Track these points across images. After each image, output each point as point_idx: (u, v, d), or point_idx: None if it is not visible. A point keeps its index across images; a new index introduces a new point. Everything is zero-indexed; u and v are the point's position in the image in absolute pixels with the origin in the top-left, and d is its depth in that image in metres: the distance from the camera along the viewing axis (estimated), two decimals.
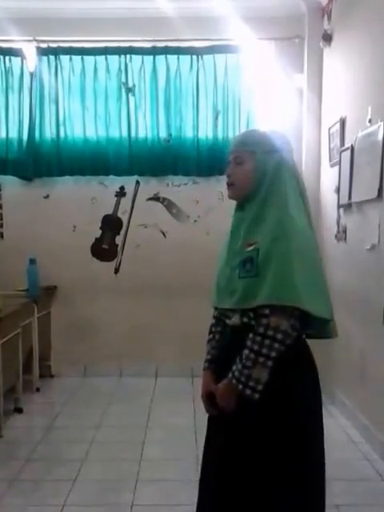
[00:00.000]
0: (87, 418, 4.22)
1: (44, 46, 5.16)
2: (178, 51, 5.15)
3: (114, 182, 5.34)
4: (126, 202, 5.37)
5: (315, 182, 5.05)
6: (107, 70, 5.19)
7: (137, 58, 5.18)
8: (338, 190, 4.38)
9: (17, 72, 5.19)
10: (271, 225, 1.79)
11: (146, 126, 5.22)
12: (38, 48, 5.16)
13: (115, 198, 5.37)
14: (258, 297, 1.74)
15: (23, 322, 4.42)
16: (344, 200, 4.20)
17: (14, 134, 5.21)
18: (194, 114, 5.19)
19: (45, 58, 5.17)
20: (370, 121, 3.70)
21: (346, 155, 4.12)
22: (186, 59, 5.17)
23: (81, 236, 5.32)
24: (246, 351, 1.74)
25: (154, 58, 5.16)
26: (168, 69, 5.17)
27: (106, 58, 5.17)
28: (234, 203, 1.98)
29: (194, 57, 5.15)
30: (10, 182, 5.29)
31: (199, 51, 5.15)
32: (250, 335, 1.75)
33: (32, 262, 4.94)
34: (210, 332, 2.03)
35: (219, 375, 1.86)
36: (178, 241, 5.29)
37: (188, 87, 5.20)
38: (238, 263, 1.83)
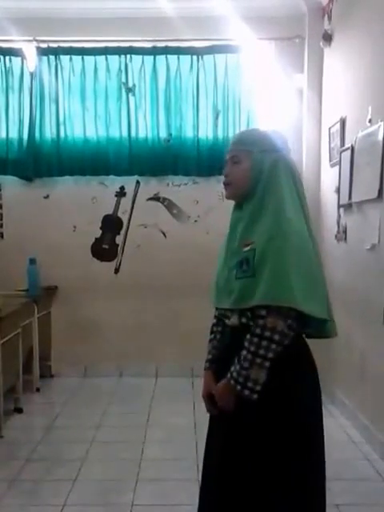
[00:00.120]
0: (87, 418, 4.22)
1: (44, 45, 5.16)
2: (178, 51, 5.15)
3: (114, 182, 5.34)
4: (126, 202, 5.37)
5: (315, 181, 5.05)
6: (107, 70, 5.19)
7: (137, 58, 5.18)
8: (338, 190, 4.38)
9: (17, 72, 5.19)
10: (267, 225, 1.79)
11: (146, 126, 5.22)
12: (38, 48, 5.16)
13: (115, 198, 5.37)
14: (255, 297, 1.74)
15: (23, 322, 4.42)
16: (344, 200, 4.20)
17: (14, 134, 5.21)
18: (194, 113, 5.19)
19: (45, 58, 5.17)
20: (370, 121, 3.70)
21: (346, 155, 4.12)
22: (186, 59, 5.17)
23: (81, 236, 5.32)
24: (244, 352, 1.75)
25: (155, 58, 5.16)
26: (168, 69, 5.17)
27: (106, 58, 5.17)
28: (233, 203, 1.98)
29: (195, 57, 5.15)
30: (11, 182, 5.29)
31: (199, 51, 5.15)
32: (247, 336, 1.75)
33: (32, 261, 4.94)
34: (212, 332, 2.04)
35: (220, 375, 1.87)
36: (178, 241, 5.29)
37: (188, 87, 5.20)
38: (235, 263, 1.83)
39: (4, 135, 5.22)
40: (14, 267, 5.00)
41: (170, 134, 5.22)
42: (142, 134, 5.22)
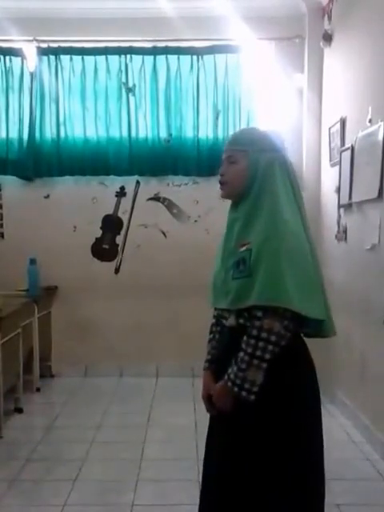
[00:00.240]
0: (88, 418, 4.21)
1: (44, 45, 5.16)
2: (178, 51, 5.15)
3: (114, 182, 5.34)
4: (126, 202, 5.37)
5: (315, 181, 5.06)
6: (107, 70, 5.19)
7: (137, 58, 5.18)
8: (338, 190, 4.38)
9: (17, 72, 5.19)
10: (263, 225, 1.79)
11: (147, 126, 5.22)
12: (39, 48, 5.15)
13: (115, 198, 5.37)
14: (251, 298, 1.74)
15: (24, 322, 4.42)
16: (344, 200, 4.20)
17: (14, 134, 5.21)
18: (195, 113, 5.19)
19: (45, 58, 5.17)
20: (370, 121, 3.70)
21: (347, 155, 4.12)
22: (186, 59, 5.17)
23: (81, 236, 5.32)
24: (241, 353, 1.75)
25: (155, 58, 5.16)
26: (168, 69, 5.17)
27: (107, 58, 5.17)
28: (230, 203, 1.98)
29: (195, 57, 5.15)
30: (11, 182, 5.29)
31: (199, 51, 5.15)
32: (244, 337, 1.75)
33: (32, 261, 4.94)
34: (211, 331, 2.04)
35: (219, 375, 1.87)
36: (178, 241, 5.29)
37: (188, 87, 5.20)
38: (232, 264, 1.83)
39: (4, 135, 5.21)
40: (14, 267, 5.00)
41: (170, 134, 5.22)
42: (142, 134, 5.22)
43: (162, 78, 5.19)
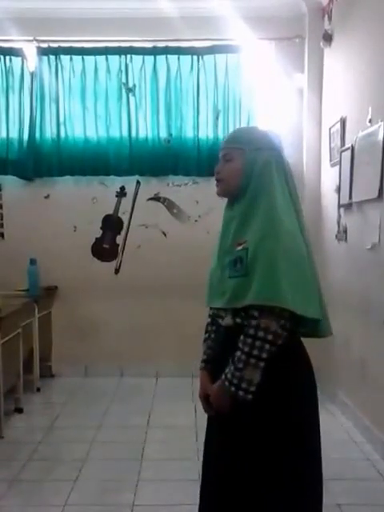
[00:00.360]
0: (88, 418, 4.22)
1: (44, 45, 5.16)
2: (178, 51, 5.15)
3: (114, 182, 5.34)
4: (126, 202, 5.37)
5: (316, 181, 5.06)
6: (108, 70, 5.19)
7: (137, 58, 5.18)
8: (338, 190, 4.38)
9: (17, 72, 5.19)
10: (259, 224, 1.79)
11: (147, 126, 5.22)
12: (39, 48, 5.15)
13: (116, 198, 5.37)
14: (247, 297, 1.74)
15: (24, 322, 4.41)
16: (344, 200, 4.20)
17: (14, 134, 5.21)
18: (195, 114, 5.19)
19: (45, 58, 5.17)
20: (370, 121, 3.70)
21: (347, 155, 4.12)
22: (186, 59, 5.16)
23: (81, 236, 5.32)
24: (238, 353, 1.74)
25: (155, 58, 5.16)
26: (168, 69, 5.17)
27: (107, 58, 5.17)
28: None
29: (195, 57, 5.15)
30: (11, 182, 5.29)
31: (200, 51, 5.14)
32: (241, 337, 1.75)
33: (32, 262, 4.94)
34: (206, 331, 2.04)
35: (215, 375, 1.86)
36: (178, 241, 5.29)
37: (188, 87, 5.20)
38: (228, 263, 1.83)
39: (4, 135, 5.22)
40: (14, 267, 5.00)
41: (171, 134, 5.22)
42: (142, 134, 5.22)
43: (162, 78, 5.19)
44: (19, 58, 5.17)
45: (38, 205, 5.31)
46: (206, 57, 5.15)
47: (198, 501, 1.97)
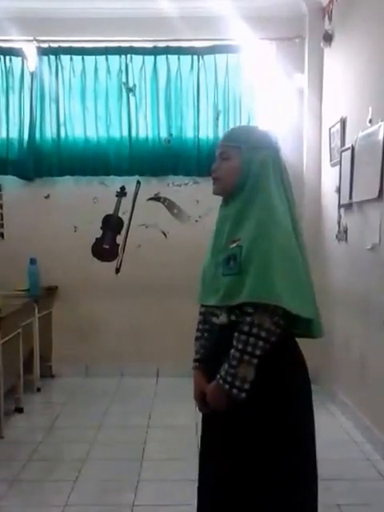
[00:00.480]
0: (88, 418, 4.22)
1: (44, 45, 5.15)
2: (178, 51, 5.15)
3: (114, 182, 5.34)
4: (126, 202, 5.37)
5: (316, 181, 5.06)
6: (108, 70, 5.19)
7: (137, 58, 5.18)
8: (338, 190, 4.38)
9: (17, 72, 5.19)
10: (254, 222, 1.79)
11: (147, 126, 5.22)
12: (39, 48, 5.15)
13: (116, 198, 5.37)
14: (242, 294, 1.74)
15: (24, 322, 4.41)
16: (345, 200, 4.20)
17: (14, 134, 5.21)
18: (195, 114, 5.19)
19: (45, 58, 5.17)
20: (370, 121, 3.70)
21: (347, 155, 4.12)
22: (186, 59, 5.16)
23: (81, 236, 5.32)
24: (232, 350, 1.75)
25: (155, 58, 5.16)
26: (169, 69, 5.17)
27: (107, 58, 5.17)
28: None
29: (195, 57, 5.15)
30: (11, 182, 5.29)
31: (200, 51, 5.14)
32: (235, 334, 1.75)
33: (33, 261, 4.94)
34: (198, 329, 2.04)
35: (210, 374, 1.86)
36: (178, 241, 5.29)
37: (189, 87, 5.19)
38: (221, 260, 1.83)
39: (4, 135, 5.21)
40: (14, 267, 5.00)
41: (171, 134, 5.22)
42: (142, 134, 5.22)
43: (162, 78, 5.18)
44: (19, 58, 5.17)
45: (38, 205, 5.31)
46: (206, 57, 5.15)
47: None
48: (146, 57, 5.17)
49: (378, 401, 3.56)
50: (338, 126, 4.41)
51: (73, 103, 5.22)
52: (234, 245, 1.80)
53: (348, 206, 4.16)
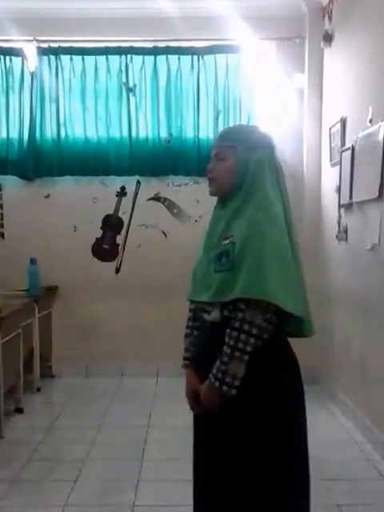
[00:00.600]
0: (88, 418, 4.22)
1: (45, 45, 5.15)
2: (178, 51, 5.14)
3: (114, 182, 5.34)
4: (126, 202, 5.37)
5: (316, 181, 5.06)
6: (108, 70, 5.19)
7: (137, 58, 5.18)
8: (338, 190, 4.38)
9: (17, 72, 5.18)
10: (249, 221, 1.79)
11: (147, 126, 5.22)
12: (39, 48, 5.15)
13: (116, 198, 5.37)
14: (234, 291, 1.74)
15: (24, 322, 4.41)
16: (345, 200, 4.20)
17: (14, 134, 5.20)
18: (195, 114, 5.19)
19: (45, 58, 5.17)
20: (370, 121, 3.70)
21: (347, 155, 4.12)
22: (186, 59, 5.16)
23: (82, 236, 5.32)
24: (224, 347, 1.74)
25: (155, 58, 5.16)
26: (169, 69, 5.17)
27: (107, 58, 5.17)
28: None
29: (195, 57, 5.15)
30: (11, 182, 5.29)
31: (200, 51, 5.14)
32: (227, 330, 1.75)
33: (33, 261, 4.94)
34: (187, 326, 2.03)
35: (202, 372, 1.86)
36: (178, 241, 5.29)
37: (189, 87, 5.19)
38: (214, 257, 1.84)
39: (4, 135, 5.21)
40: (14, 267, 5.00)
41: (171, 134, 5.22)
42: (142, 134, 5.22)
43: (162, 78, 5.18)
44: (19, 58, 5.17)
45: (38, 205, 5.31)
46: (206, 57, 5.15)
47: None
48: (146, 57, 5.17)
49: (378, 401, 3.56)
50: (338, 125, 4.41)
51: (73, 103, 5.22)
52: (227, 241, 1.81)
53: (348, 206, 4.16)
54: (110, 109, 5.22)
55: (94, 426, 4.04)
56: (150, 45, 5.14)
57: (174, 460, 3.46)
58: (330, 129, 4.66)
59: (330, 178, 4.74)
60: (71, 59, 5.17)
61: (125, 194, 5.35)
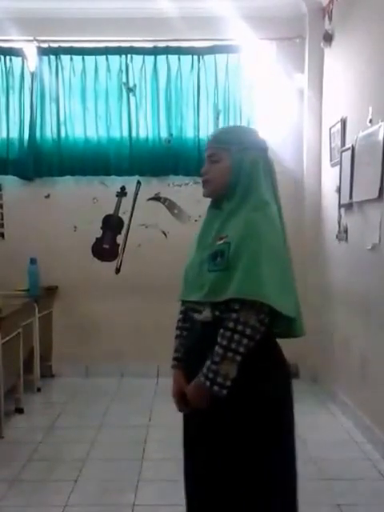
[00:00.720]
0: (88, 418, 4.22)
1: (45, 45, 5.15)
2: (178, 51, 5.15)
3: (114, 182, 5.34)
4: (126, 202, 5.37)
5: (316, 181, 5.06)
6: (108, 70, 5.19)
7: (138, 58, 5.18)
8: (338, 190, 4.38)
9: (17, 72, 5.19)
10: (244, 221, 1.79)
11: (147, 126, 5.22)
12: (39, 48, 5.15)
13: (116, 198, 5.37)
14: (228, 291, 1.74)
15: (24, 322, 4.41)
16: (345, 200, 4.20)
17: (14, 134, 5.21)
18: (195, 114, 5.19)
19: (45, 58, 5.17)
20: (370, 121, 3.70)
21: (347, 155, 4.12)
22: (186, 59, 5.16)
23: (82, 236, 5.33)
24: (216, 347, 1.74)
25: (155, 58, 5.16)
26: (169, 69, 5.17)
27: (107, 58, 5.17)
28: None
29: (195, 57, 5.15)
30: (11, 182, 5.29)
31: (200, 51, 5.14)
32: (220, 330, 1.74)
33: (33, 261, 4.94)
34: (177, 327, 2.02)
35: (190, 372, 1.85)
36: (179, 241, 5.27)
37: (189, 87, 5.19)
38: (207, 256, 1.83)
39: (4, 135, 5.22)
40: (14, 267, 5.00)
41: (171, 134, 5.22)
42: (142, 134, 5.22)
43: (162, 77, 5.19)
44: (19, 58, 5.17)
45: (38, 205, 5.31)
46: (206, 57, 5.15)
47: None
48: (146, 57, 5.17)
49: (378, 401, 3.56)
50: (338, 126, 4.41)
51: (73, 103, 5.23)
52: (221, 242, 1.80)
53: (348, 206, 4.16)
54: (110, 109, 5.22)
55: (94, 425, 4.04)
56: (150, 45, 5.14)
57: (174, 460, 3.43)
58: (330, 129, 4.66)
59: (330, 178, 4.74)
60: (71, 59, 5.18)
61: (125, 194, 5.36)
